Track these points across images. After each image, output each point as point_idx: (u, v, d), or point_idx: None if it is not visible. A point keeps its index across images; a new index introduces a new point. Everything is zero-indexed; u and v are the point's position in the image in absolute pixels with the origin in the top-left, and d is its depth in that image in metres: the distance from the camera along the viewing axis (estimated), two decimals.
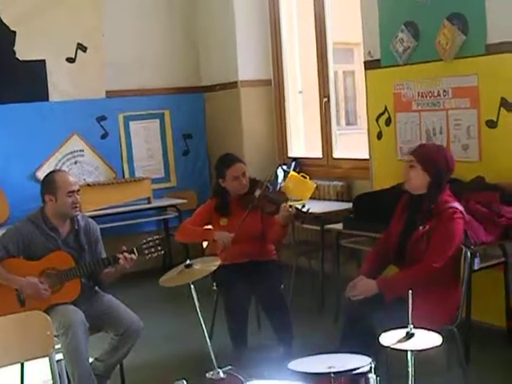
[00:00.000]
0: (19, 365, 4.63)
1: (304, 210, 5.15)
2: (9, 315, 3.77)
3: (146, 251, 4.69)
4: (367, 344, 3.82)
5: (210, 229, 5.42)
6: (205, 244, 5.76)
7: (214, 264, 4.14)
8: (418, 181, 4.39)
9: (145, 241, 4.71)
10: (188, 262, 4.04)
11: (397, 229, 4.52)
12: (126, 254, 4.60)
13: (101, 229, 4.95)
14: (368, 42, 6.37)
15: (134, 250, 4.64)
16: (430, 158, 4.39)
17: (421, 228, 4.32)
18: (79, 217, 4.78)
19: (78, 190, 4.72)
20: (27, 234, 4.60)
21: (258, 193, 5.27)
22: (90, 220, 4.91)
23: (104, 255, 4.80)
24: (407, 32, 5.89)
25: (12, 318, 3.73)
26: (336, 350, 3.71)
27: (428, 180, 4.36)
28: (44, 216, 4.66)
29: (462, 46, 5.45)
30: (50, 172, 4.87)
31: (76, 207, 4.66)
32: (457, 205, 4.34)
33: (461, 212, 4.32)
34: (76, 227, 4.73)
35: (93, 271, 4.66)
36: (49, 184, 4.68)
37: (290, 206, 5.12)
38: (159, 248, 4.71)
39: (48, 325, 3.67)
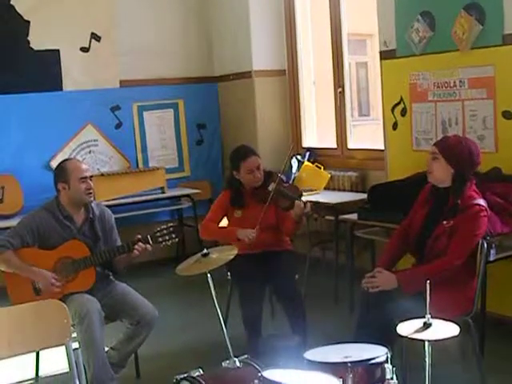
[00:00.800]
0: (35, 354, 4.72)
1: (305, 211, 5.10)
2: (25, 303, 3.80)
3: (160, 239, 4.69)
4: (382, 334, 3.81)
5: (231, 228, 5.39)
6: None
7: (231, 253, 4.14)
8: (440, 173, 4.35)
9: (158, 229, 4.71)
10: (205, 250, 4.04)
11: (419, 219, 4.48)
12: (141, 244, 4.61)
13: (115, 219, 4.97)
14: (384, 32, 6.34)
15: (148, 238, 4.65)
16: (453, 150, 4.34)
17: (445, 223, 4.28)
18: (94, 205, 4.79)
19: (91, 177, 4.73)
20: (42, 222, 4.62)
21: (272, 187, 5.23)
22: (105, 208, 4.93)
23: (119, 243, 4.82)
24: (423, 22, 5.86)
25: (28, 306, 3.75)
26: (351, 340, 3.71)
27: (451, 172, 4.31)
28: (59, 205, 4.68)
29: (479, 36, 5.41)
30: (62, 161, 4.89)
31: (90, 193, 4.67)
32: (482, 201, 4.29)
33: (486, 210, 4.29)
34: (91, 216, 4.74)
35: (107, 259, 4.67)
36: (61, 172, 4.70)
37: (305, 204, 5.09)
38: (173, 236, 4.71)
39: (65, 313, 3.68)
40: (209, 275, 3.93)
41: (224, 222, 5.52)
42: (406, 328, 3.14)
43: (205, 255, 4.01)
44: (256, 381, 3.06)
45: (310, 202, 5.23)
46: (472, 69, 5.53)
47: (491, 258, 4.81)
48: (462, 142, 4.43)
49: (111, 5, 7.89)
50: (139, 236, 4.66)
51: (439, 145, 4.43)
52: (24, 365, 4.91)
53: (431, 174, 4.42)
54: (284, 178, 5.57)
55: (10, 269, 4.54)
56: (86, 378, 4.29)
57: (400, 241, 4.61)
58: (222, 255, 4.10)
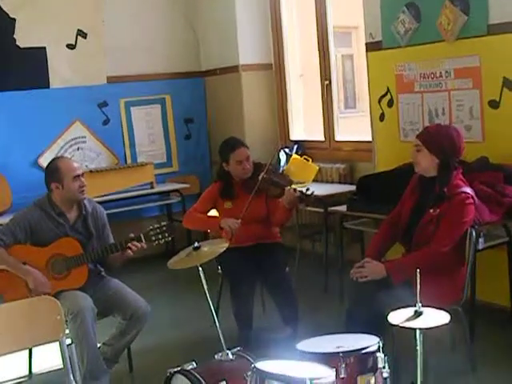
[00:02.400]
0: (27, 351, 4.72)
1: (308, 193, 5.16)
2: (18, 300, 3.80)
3: (154, 238, 4.69)
4: (373, 324, 3.84)
5: (215, 216, 5.43)
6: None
7: (222, 246, 4.16)
8: (426, 163, 4.39)
9: (152, 227, 4.71)
10: (196, 244, 4.05)
11: (407, 209, 4.52)
12: (135, 243, 4.62)
13: None
14: (369, 24, 6.36)
15: (142, 236, 4.66)
16: (435, 139, 4.39)
17: (431, 211, 4.32)
18: (86, 202, 4.80)
19: (83, 174, 4.74)
20: (35, 219, 4.62)
21: (261, 176, 5.28)
22: (97, 204, 4.93)
23: (111, 240, 4.83)
24: (408, 13, 5.88)
25: (21, 303, 3.76)
26: (341, 331, 3.74)
27: (436, 162, 4.36)
28: (51, 202, 4.69)
29: (464, 26, 5.44)
30: (53, 160, 4.88)
31: (83, 191, 4.69)
32: (468, 190, 4.34)
33: (472, 197, 4.32)
34: (84, 212, 4.75)
35: (100, 257, 4.68)
36: (53, 172, 4.70)
37: (295, 190, 5.13)
38: (166, 235, 4.71)
39: (58, 309, 3.68)
40: (200, 269, 3.95)
41: (213, 214, 5.54)
42: (397, 317, 3.17)
43: (196, 248, 4.03)
44: (249, 372, 3.08)
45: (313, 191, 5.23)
46: (458, 59, 5.56)
47: (480, 247, 4.86)
48: (444, 131, 4.47)
49: (97, 1, 7.87)
50: (132, 235, 4.67)
51: (421, 136, 4.48)
52: (17, 362, 4.92)
53: (418, 165, 4.46)
54: (273, 170, 5.60)
55: (1, 266, 4.54)
56: (80, 372, 4.30)
57: (388, 231, 4.65)
58: (213, 248, 4.11)
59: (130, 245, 4.61)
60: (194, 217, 5.44)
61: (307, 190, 5.19)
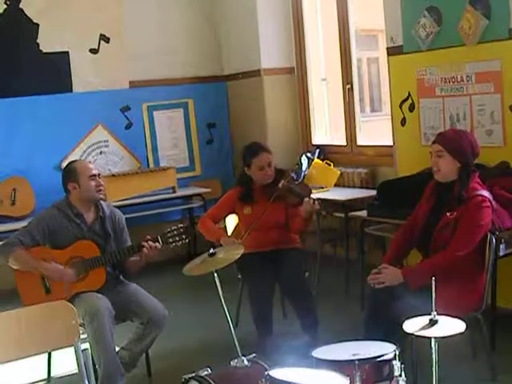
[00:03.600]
0: (47, 354, 4.74)
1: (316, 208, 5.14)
2: (34, 305, 3.83)
3: (171, 239, 4.71)
4: (391, 331, 3.83)
5: (219, 232, 5.41)
6: (230, 231, 5.75)
7: (237, 252, 4.14)
8: (448, 169, 4.36)
9: (169, 229, 4.73)
10: (211, 250, 4.05)
11: (424, 213, 4.49)
12: (150, 243, 4.63)
13: (126, 219, 5.00)
14: (390, 28, 6.33)
15: (159, 238, 4.67)
16: (457, 143, 4.37)
17: (448, 214, 4.29)
18: (104, 205, 4.83)
19: (99, 175, 4.77)
20: (53, 220, 4.66)
21: (281, 184, 5.28)
22: (115, 209, 4.96)
23: (129, 244, 4.83)
24: (429, 17, 5.84)
25: (37, 308, 3.78)
26: (361, 338, 3.72)
27: (458, 166, 4.34)
28: (69, 203, 4.72)
29: (485, 30, 5.40)
30: (68, 163, 4.95)
31: (100, 190, 4.72)
32: (485, 193, 4.31)
33: (489, 200, 4.29)
34: (101, 214, 4.77)
35: (118, 260, 4.69)
36: (69, 173, 4.75)
37: (314, 201, 5.11)
38: (183, 236, 4.73)
39: (73, 314, 3.69)
40: (215, 275, 3.94)
41: (231, 219, 5.54)
42: (411, 325, 3.14)
43: (211, 255, 4.02)
44: (263, 379, 3.07)
45: (318, 199, 5.23)
46: (479, 63, 5.52)
47: (501, 253, 4.81)
48: (462, 135, 4.47)
49: (120, 6, 7.90)
50: (149, 236, 4.68)
51: (441, 141, 4.44)
52: (36, 366, 4.94)
53: (439, 172, 4.42)
54: (294, 176, 5.58)
55: (21, 266, 4.58)
56: (96, 376, 4.31)
57: (405, 236, 4.62)
58: (229, 255, 4.10)
59: (143, 243, 4.62)
60: (204, 224, 5.45)
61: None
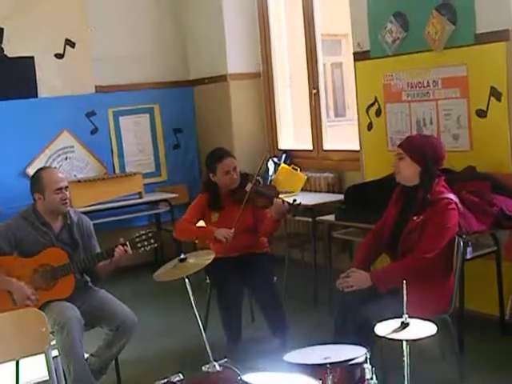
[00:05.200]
0: (14, 362, 4.68)
1: (296, 203, 5.19)
2: (3, 313, 3.78)
3: (139, 244, 4.68)
4: (361, 335, 3.86)
5: (209, 227, 5.40)
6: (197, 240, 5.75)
7: (208, 258, 4.15)
8: (408, 172, 4.41)
9: (137, 234, 4.70)
10: (182, 256, 4.04)
11: (391, 217, 4.53)
12: (120, 247, 4.60)
13: (93, 225, 4.95)
14: (357, 34, 6.37)
15: (127, 243, 4.64)
16: (417, 147, 4.42)
17: (415, 218, 4.33)
18: (71, 212, 4.79)
19: (67, 187, 4.71)
20: (20, 229, 4.61)
21: (249, 187, 5.30)
22: (83, 215, 4.92)
23: (98, 250, 4.81)
24: (396, 23, 5.89)
25: (7, 315, 3.73)
26: (331, 342, 3.73)
27: (418, 170, 4.38)
28: (36, 212, 4.67)
29: (451, 35, 5.45)
30: (38, 170, 4.88)
31: (65, 203, 4.66)
32: (451, 196, 4.35)
33: (455, 203, 4.33)
34: (69, 222, 4.73)
35: (87, 266, 4.66)
36: (36, 182, 4.70)
37: (283, 201, 5.14)
38: (152, 241, 4.70)
39: (43, 321, 3.66)
40: (187, 281, 3.94)
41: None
42: (383, 328, 3.16)
43: (182, 260, 4.02)
44: None
45: (294, 200, 5.26)
46: (445, 68, 5.57)
47: (468, 256, 4.88)
48: (425, 140, 4.54)
49: (85, 11, 7.86)
50: (122, 240, 4.65)
51: (403, 145, 4.51)
52: (4, 374, 4.88)
53: (399, 174, 4.49)
54: (261, 180, 5.60)
55: None
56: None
57: (373, 240, 4.66)
58: (200, 260, 4.10)
59: (116, 248, 4.59)
60: (187, 228, 5.43)
61: (294, 200, 5.22)
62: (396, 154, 4.49)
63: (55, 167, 7.36)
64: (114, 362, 4.80)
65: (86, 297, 4.70)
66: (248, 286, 5.26)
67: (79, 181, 7.54)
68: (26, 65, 7.56)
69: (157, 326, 6.11)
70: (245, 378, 3.05)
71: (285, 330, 5.18)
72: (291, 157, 7.65)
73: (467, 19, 5.32)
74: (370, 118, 6.32)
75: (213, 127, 8.38)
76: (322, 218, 6.21)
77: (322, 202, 6.63)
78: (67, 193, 4.69)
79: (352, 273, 4.37)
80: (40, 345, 3.65)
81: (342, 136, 8.44)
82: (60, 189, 4.64)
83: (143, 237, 4.70)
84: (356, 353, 3.28)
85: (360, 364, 3.24)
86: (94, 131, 8.03)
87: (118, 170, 8.17)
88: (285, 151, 7.75)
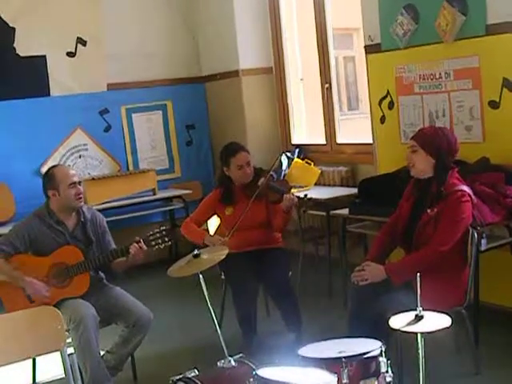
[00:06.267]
0: (31, 360, 4.71)
1: (302, 195, 5.21)
2: (19, 310, 3.80)
3: (153, 242, 4.69)
4: (375, 328, 3.85)
5: (202, 232, 5.42)
6: (212, 232, 5.75)
7: (221, 253, 4.15)
8: (422, 165, 4.39)
9: (151, 232, 4.71)
10: (196, 251, 4.05)
11: (405, 211, 4.51)
12: (135, 245, 4.61)
13: (107, 222, 4.98)
14: (368, 27, 6.35)
15: (141, 241, 4.66)
16: (431, 139, 4.39)
17: (429, 211, 4.31)
18: (85, 208, 4.80)
19: (80, 182, 4.74)
20: (34, 228, 4.63)
21: (261, 182, 5.31)
22: (96, 211, 4.94)
23: (113, 245, 4.83)
24: (407, 15, 5.86)
25: (23, 313, 3.76)
26: (346, 335, 3.73)
27: (433, 162, 4.36)
28: (49, 210, 4.69)
29: (462, 27, 5.42)
30: (50, 168, 4.90)
31: (80, 198, 4.69)
32: (465, 188, 4.33)
33: (469, 195, 4.31)
34: (82, 219, 4.75)
35: (102, 264, 4.68)
36: (49, 179, 4.71)
37: (293, 195, 5.15)
38: (166, 239, 4.71)
39: (59, 319, 3.69)
40: (201, 276, 3.94)
41: (214, 220, 5.54)
42: (397, 321, 3.16)
43: (196, 256, 4.02)
44: (251, 379, 3.08)
45: (305, 195, 5.27)
46: (457, 60, 5.54)
47: (482, 248, 4.84)
48: (439, 132, 4.48)
49: (96, 9, 7.87)
50: (137, 238, 4.66)
51: (417, 137, 4.48)
52: (21, 372, 4.90)
53: (413, 167, 4.46)
54: (274, 175, 5.60)
55: (1, 277, 4.54)
56: (83, 381, 4.31)
57: (388, 234, 4.64)
58: (213, 255, 4.11)
59: (131, 246, 4.60)
60: (188, 226, 5.46)
61: (305, 195, 5.22)
62: (409, 146, 4.47)
63: (69, 165, 7.40)
64: (130, 358, 4.82)
65: (101, 294, 4.72)
66: (263, 281, 5.26)
67: (93, 178, 7.58)
68: (38, 64, 7.59)
69: (173, 322, 6.13)
70: (260, 372, 3.05)
71: (299, 325, 5.18)
72: (304, 151, 7.64)
73: (478, 10, 5.29)
74: (382, 111, 6.30)
75: (225, 123, 8.39)
76: (336, 212, 6.20)
77: (335, 196, 6.62)
78: (81, 188, 4.71)
79: (367, 266, 4.37)
80: (56, 342, 3.68)
81: (356, 129, 8.43)
82: (74, 183, 4.66)
83: (157, 235, 4.71)
84: (371, 346, 3.27)
85: (375, 357, 3.23)
86: (107, 129, 8.06)
87: (131, 167, 8.19)
88: (298, 146, 7.75)
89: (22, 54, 7.52)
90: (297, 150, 7.61)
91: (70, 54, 7.79)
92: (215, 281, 5.30)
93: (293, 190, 5.35)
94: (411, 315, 3.15)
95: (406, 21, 5.88)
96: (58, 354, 3.73)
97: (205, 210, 5.50)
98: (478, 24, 5.31)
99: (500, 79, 5.24)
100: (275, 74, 8.11)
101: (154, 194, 7.85)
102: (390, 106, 6.21)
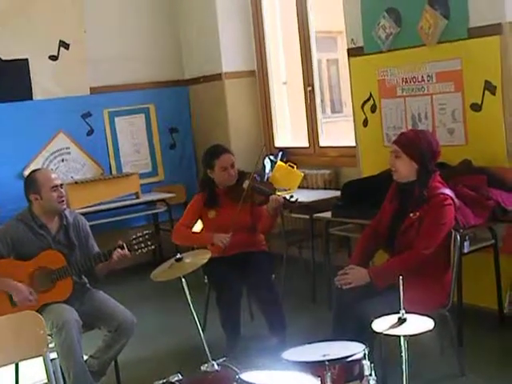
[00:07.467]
0: (14, 365, 4.68)
1: (292, 199, 5.20)
2: (1, 316, 3.77)
3: (136, 247, 4.68)
4: (359, 331, 3.86)
5: (207, 234, 5.39)
6: None
7: (204, 257, 4.15)
8: (405, 169, 4.40)
9: (134, 236, 4.70)
10: (178, 255, 4.04)
11: (387, 215, 4.53)
12: (119, 250, 4.59)
13: (90, 226, 4.95)
14: (350, 30, 6.37)
15: (124, 246, 4.64)
16: (413, 144, 4.40)
17: (411, 215, 4.33)
18: (67, 212, 4.78)
19: (61, 185, 4.71)
20: (16, 232, 4.60)
21: (246, 184, 5.30)
22: (79, 215, 4.91)
23: (96, 249, 4.80)
24: (389, 18, 5.89)
25: (5, 318, 3.72)
26: (329, 339, 3.73)
27: (416, 167, 4.37)
28: (32, 214, 4.67)
29: (445, 30, 5.45)
30: (31, 172, 4.88)
31: (62, 201, 4.66)
32: (447, 191, 4.35)
33: (451, 198, 4.33)
34: (65, 223, 4.72)
35: (85, 269, 4.66)
36: (31, 183, 4.69)
37: (279, 197, 5.15)
38: (149, 243, 4.70)
39: (41, 324, 3.66)
40: (183, 280, 3.93)
41: (198, 225, 5.54)
42: (380, 324, 3.16)
43: (178, 260, 4.02)
44: (234, 383, 3.07)
45: (291, 196, 5.28)
46: (439, 63, 5.57)
47: (465, 250, 4.88)
48: (420, 135, 4.49)
49: (79, 12, 7.85)
50: (120, 242, 4.64)
51: (399, 142, 4.48)
52: (4, 377, 4.88)
53: (396, 172, 4.47)
54: (258, 178, 5.60)
55: None
56: None
57: (370, 238, 4.65)
58: (196, 259, 4.10)
59: (114, 251, 4.59)
60: (184, 233, 5.45)
61: (291, 196, 5.22)
62: (392, 151, 4.48)
63: (51, 169, 7.36)
64: (113, 363, 4.80)
65: (84, 298, 4.69)
66: (246, 285, 5.26)
67: (76, 182, 7.54)
68: (20, 67, 7.54)
69: (156, 326, 6.10)
70: (243, 376, 3.05)
71: (283, 328, 5.17)
72: (288, 154, 7.64)
73: (460, 13, 5.32)
74: (365, 114, 6.32)
75: (209, 126, 8.38)
76: (319, 215, 6.20)
77: (319, 199, 6.62)
78: (63, 191, 4.69)
79: (350, 269, 4.38)
80: (38, 347, 3.65)
81: (340, 132, 8.44)
82: (56, 186, 4.64)
83: (140, 239, 4.70)
84: (354, 349, 3.28)
85: (359, 360, 3.24)
86: (89, 132, 8.03)
87: (114, 171, 8.16)
88: (281, 149, 7.75)
89: (3, 58, 7.47)
90: (280, 153, 7.61)
91: (53, 58, 7.75)
92: (199, 284, 5.29)
93: (277, 193, 5.35)
94: (394, 318, 3.16)
95: (388, 24, 5.90)
96: (41, 359, 3.70)
97: (191, 215, 5.48)
98: (460, 27, 5.34)
99: (482, 82, 5.27)
100: (258, 77, 8.12)
101: (138, 198, 7.83)
102: (373, 109, 6.23)
